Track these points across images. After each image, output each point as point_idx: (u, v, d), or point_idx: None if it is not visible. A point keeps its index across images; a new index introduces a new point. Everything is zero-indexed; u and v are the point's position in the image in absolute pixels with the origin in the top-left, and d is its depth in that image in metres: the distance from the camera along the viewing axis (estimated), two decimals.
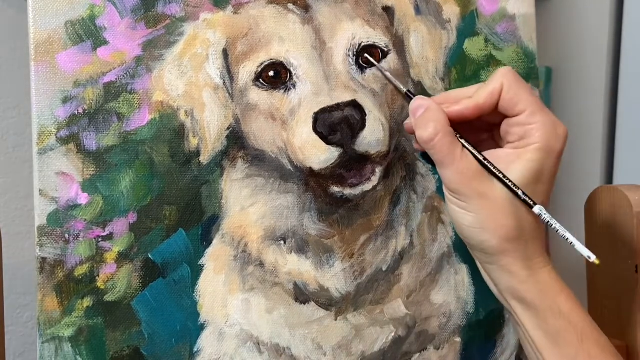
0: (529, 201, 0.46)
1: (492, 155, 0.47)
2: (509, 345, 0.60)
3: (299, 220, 0.52)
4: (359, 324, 0.53)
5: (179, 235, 0.50)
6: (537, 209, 0.46)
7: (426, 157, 0.48)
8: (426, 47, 0.56)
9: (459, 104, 0.48)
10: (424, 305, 0.56)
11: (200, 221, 0.50)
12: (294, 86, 0.51)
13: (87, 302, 0.48)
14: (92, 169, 0.48)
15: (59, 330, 0.48)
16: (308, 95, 0.50)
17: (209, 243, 0.51)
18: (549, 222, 0.46)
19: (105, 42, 0.49)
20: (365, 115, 0.50)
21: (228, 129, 0.51)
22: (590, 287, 0.61)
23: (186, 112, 0.50)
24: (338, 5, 0.53)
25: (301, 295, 0.52)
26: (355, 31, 0.52)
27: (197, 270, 0.50)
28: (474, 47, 0.58)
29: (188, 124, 0.50)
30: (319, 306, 0.52)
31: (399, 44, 0.55)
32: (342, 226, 0.53)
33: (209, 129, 0.50)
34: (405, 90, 0.52)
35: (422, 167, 0.56)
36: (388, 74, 0.52)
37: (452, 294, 0.57)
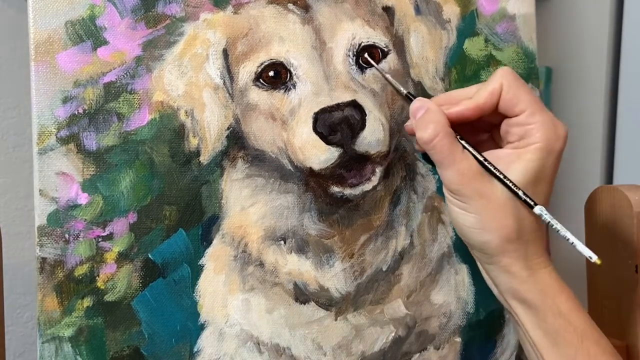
0: (530, 202, 0.46)
1: (492, 155, 0.47)
2: (509, 345, 0.60)
3: (299, 220, 0.52)
4: (359, 324, 0.53)
5: (179, 235, 0.50)
6: (537, 209, 0.46)
7: (427, 157, 0.48)
8: (426, 47, 0.56)
9: (459, 104, 0.48)
10: (424, 305, 0.56)
11: (200, 221, 0.50)
12: (294, 86, 0.51)
13: (87, 302, 0.48)
14: (92, 169, 0.48)
15: (59, 330, 0.48)
16: (308, 95, 0.50)
17: (209, 243, 0.51)
18: (549, 222, 0.46)
19: (105, 42, 0.49)
20: (365, 115, 0.50)
21: (228, 129, 0.51)
22: (590, 287, 0.61)
23: (186, 112, 0.50)
24: (338, 5, 0.53)
25: (301, 295, 0.52)
26: (355, 31, 0.52)
27: (197, 270, 0.50)
28: (474, 47, 0.58)
29: (188, 124, 0.50)
30: (319, 306, 0.52)
31: (399, 44, 0.55)
32: (342, 226, 0.53)
33: (209, 129, 0.50)
34: (405, 92, 0.52)
35: (422, 167, 0.56)
36: (388, 76, 0.52)
37: (452, 294, 0.57)
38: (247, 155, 0.51)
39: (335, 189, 0.51)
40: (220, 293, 0.51)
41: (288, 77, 0.51)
